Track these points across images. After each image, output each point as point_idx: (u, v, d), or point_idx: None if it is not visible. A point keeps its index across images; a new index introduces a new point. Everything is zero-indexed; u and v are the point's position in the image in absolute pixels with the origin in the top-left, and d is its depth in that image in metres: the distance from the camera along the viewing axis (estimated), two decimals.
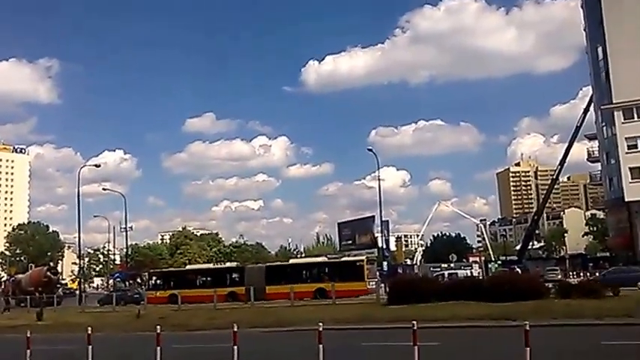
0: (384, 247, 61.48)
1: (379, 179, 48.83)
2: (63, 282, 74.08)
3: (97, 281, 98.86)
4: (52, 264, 58.01)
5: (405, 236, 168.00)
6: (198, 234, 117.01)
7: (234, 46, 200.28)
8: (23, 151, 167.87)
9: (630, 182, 47.93)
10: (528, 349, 7.74)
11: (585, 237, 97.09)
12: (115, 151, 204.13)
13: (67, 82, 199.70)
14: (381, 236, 62.23)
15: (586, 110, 58.97)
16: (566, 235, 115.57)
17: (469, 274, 40.44)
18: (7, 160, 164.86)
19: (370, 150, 50.33)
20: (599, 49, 51.89)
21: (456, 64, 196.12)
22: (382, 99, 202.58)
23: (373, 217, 64.55)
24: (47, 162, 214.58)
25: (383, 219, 58.44)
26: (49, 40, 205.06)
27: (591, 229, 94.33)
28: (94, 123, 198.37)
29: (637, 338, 7.88)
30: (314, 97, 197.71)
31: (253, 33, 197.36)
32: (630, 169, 48.07)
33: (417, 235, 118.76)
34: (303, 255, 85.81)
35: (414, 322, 8.62)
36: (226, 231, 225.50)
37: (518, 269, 40.10)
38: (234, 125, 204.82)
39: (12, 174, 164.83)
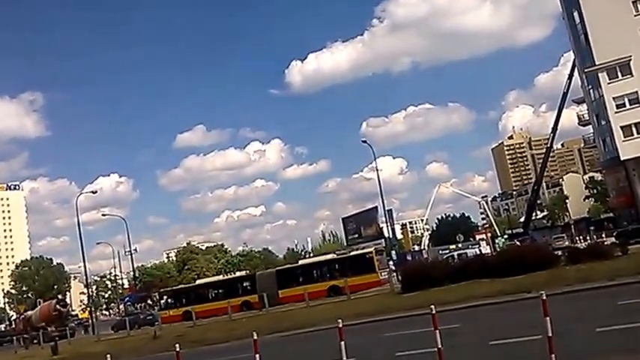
0: (391, 236, 61.49)
1: (377, 170, 48.96)
2: (73, 313, 73.99)
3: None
4: (60, 296, 57.81)
5: (410, 223, 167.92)
6: (204, 247, 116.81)
7: (216, 56, 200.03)
8: (17, 187, 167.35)
9: (623, 140, 48.04)
10: (548, 318, 7.75)
11: (587, 200, 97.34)
12: (109, 175, 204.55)
13: (53, 113, 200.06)
14: (387, 226, 62.20)
15: (570, 76, 59.02)
16: (567, 201, 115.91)
17: (478, 252, 40.49)
18: (2, 199, 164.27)
19: (365, 142, 50.44)
20: (575, 14, 51.94)
21: (436, 47, 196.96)
22: (369, 90, 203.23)
23: (376, 207, 64.62)
24: (42, 195, 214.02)
25: (386, 208, 58.42)
26: (29, 73, 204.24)
27: (591, 192, 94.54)
28: (85, 150, 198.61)
29: None
30: (301, 97, 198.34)
31: (232, 41, 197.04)
32: (622, 127, 48.17)
33: (422, 220, 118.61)
34: (312, 255, 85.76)
35: (432, 307, 8.63)
36: (232, 241, 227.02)
37: (528, 240, 40.27)
38: (226, 135, 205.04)
39: (9, 212, 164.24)
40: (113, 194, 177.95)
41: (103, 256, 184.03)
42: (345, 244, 74.34)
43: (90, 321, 50.26)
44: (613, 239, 27.71)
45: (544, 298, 8.01)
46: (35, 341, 39.82)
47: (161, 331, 30.24)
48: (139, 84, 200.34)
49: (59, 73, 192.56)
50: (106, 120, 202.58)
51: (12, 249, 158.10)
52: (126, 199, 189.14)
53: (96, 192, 65.04)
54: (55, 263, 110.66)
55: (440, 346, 8.32)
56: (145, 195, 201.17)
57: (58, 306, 47.08)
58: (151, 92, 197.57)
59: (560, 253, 25.20)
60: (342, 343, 8.89)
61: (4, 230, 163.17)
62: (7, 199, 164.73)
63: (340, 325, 9.04)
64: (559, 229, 67.14)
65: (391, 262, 45.39)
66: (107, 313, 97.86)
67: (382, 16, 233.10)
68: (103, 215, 78.86)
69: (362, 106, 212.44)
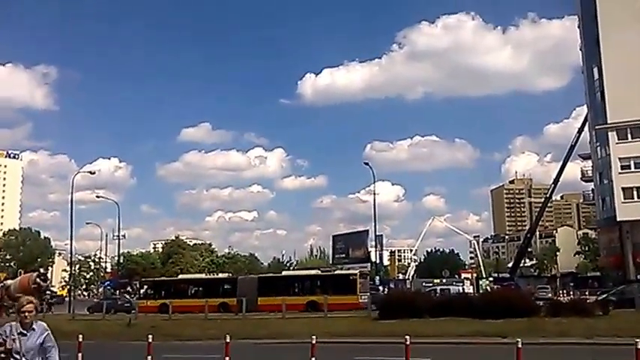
0: (378, 261, 61.45)
1: (374, 193, 49.05)
2: (53, 289, 73.56)
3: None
4: (42, 270, 57.48)
5: (399, 251, 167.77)
6: (192, 244, 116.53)
7: (231, 57, 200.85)
8: (16, 156, 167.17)
9: (623, 202, 48.21)
10: None
11: (577, 256, 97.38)
12: (109, 158, 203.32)
13: (64, 89, 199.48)
14: (375, 250, 62.27)
15: (580, 130, 59.45)
16: (558, 253, 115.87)
17: (461, 290, 40.40)
18: (0, 165, 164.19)
19: (366, 164, 50.66)
20: (595, 69, 52.37)
21: (452, 81, 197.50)
22: (378, 113, 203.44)
23: (367, 231, 64.56)
24: (41, 168, 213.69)
25: (377, 233, 58.48)
26: (46, 47, 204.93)
27: (583, 248, 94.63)
28: (90, 130, 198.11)
29: (627, 358, 7.97)
30: (310, 110, 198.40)
31: (251, 45, 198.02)
32: (623, 189, 48.37)
33: (411, 250, 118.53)
34: (296, 267, 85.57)
35: (407, 337, 8.68)
36: (220, 241, 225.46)
37: (513, 286, 40.26)
38: (230, 136, 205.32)
39: (4, 179, 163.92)
40: (111, 178, 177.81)
41: (90, 237, 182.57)
42: (331, 262, 74.21)
43: (68, 299, 50.04)
44: (595, 297, 27.75)
45: (519, 346, 8.07)
46: (11, 311, 39.63)
47: (136, 319, 30.11)
48: (151, 74, 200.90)
49: (76, 52, 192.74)
50: (114, 104, 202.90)
51: (2, 216, 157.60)
52: (122, 184, 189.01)
53: (94, 173, 64.77)
54: (42, 237, 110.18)
55: None
56: (142, 183, 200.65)
57: (38, 279, 46.58)
58: (161, 84, 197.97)
59: (542, 303, 25.21)
60: (313, 359, 8.92)
61: None
62: (5, 166, 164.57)
63: (314, 342, 9.08)
64: (545, 279, 67.14)
65: (380, 288, 45.50)
66: (86, 294, 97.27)
67: (403, 42, 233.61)
68: (98, 197, 78.51)
69: (369, 128, 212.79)
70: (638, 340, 7.87)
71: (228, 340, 9.63)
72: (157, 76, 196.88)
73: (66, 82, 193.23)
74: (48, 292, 49.65)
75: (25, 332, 5.25)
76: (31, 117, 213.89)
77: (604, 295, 30.51)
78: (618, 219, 48.19)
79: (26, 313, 5.43)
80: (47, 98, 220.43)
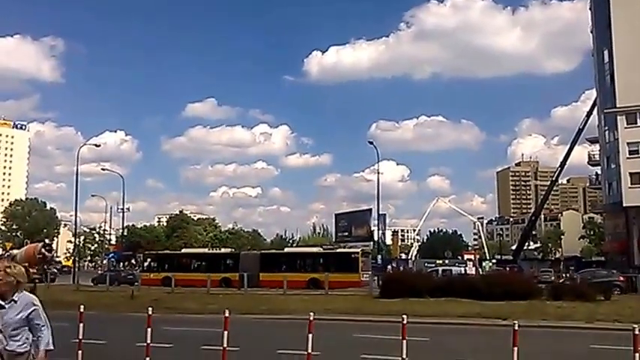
0: (380, 240, 61.56)
1: (378, 172, 48.88)
2: (57, 259, 74.24)
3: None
4: (47, 240, 58.10)
5: (402, 231, 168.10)
6: (195, 218, 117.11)
7: (238, 34, 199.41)
8: (23, 127, 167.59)
9: (630, 187, 47.89)
10: (516, 348, 7.76)
11: (581, 240, 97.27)
12: (116, 132, 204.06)
13: (71, 61, 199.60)
14: (378, 229, 62.32)
15: (589, 113, 58.88)
16: (562, 237, 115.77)
17: (463, 272, 40.47)
18: (7, 136, 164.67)
19: (371, 143, 50.38)
20: (605, 52, 51.63)
21: (459, 62, 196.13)
22: (384, 93, 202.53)
23: (370, 210, 64.54)
24: (47, 140, 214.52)
25: (380, 212, 58.59)
26: (54, 19, 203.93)
27: (588, 232, 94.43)
28: (96, 103, 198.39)
29: (625, 343, 7.90)
30: (316, 88, 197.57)
31: (258, 21, 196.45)
32: (630, 174, 47.99)
33: (414, 230, 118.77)
34: (299, 244, 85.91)
35: (404, 317, 8.63)
36: (223, 216, 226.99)
37: (516, 269, 40.36)
38: (235, 112, 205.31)
39: (11, 149, 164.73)
40: (116, 151, 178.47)
41: (95, 209, 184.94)
42: (334, 240, 74.41)
43: (73, 270, 50.50)
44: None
45: (516, 328, 8.01)
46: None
47: (139, 292, 30.34)
48: (157, 48, 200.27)
49: (84, 24, 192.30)
50: (120, 78, 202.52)
51: (9, 186, 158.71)
52: (128, 157, 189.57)
53: (99, 145, 65.43)
54: (48, 207, 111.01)
55: (405, 357, 8.33)
56: (147, 157, 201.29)
57: (43, 250, 47.05)
58: (168, 58, 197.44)
59: (544, 286, 25.21)
60: (310, 335, 8.90)
61: (4, 167, 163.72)
62: (12, 137, 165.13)
63: (311, 318, 9.06)
64: (548, 263, 67.12)
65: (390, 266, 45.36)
66: (90, 265, 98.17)
67: (410, 21, 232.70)
68: (103, 169, 79.43)
69: (375, 107, 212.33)
70: (636, 325, 7.79)
71: (227, 315, 9.60)
72: (163, 51, 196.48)
73: (73, 54, 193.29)
74: (54, 262, 50.26)
75: (2, 304, 4.59)
76: (38, 89, 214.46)
77: (560, 280, 30.69)
78: (624, 204, 47.93)
79: None
80: (54, 70, 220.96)
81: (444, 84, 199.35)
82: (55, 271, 46.26)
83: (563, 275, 40.93)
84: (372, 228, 64.19)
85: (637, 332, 7.50)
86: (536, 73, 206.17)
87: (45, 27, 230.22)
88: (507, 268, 44.71)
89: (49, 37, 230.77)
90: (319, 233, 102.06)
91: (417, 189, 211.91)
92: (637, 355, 7.32)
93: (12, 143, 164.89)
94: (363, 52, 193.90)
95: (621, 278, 28.94)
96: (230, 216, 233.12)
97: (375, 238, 61.96)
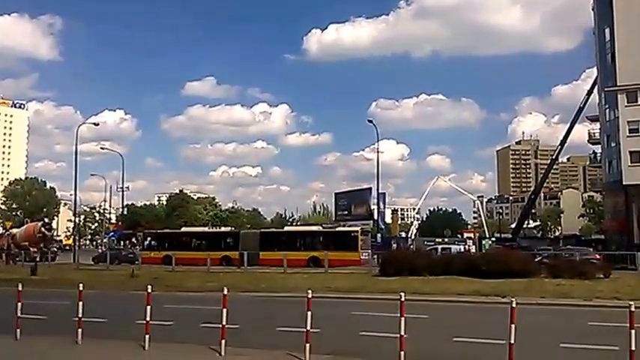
0: (380, 219, 61.72)
1: (378, 152, 48.75)
2: (58, 238, 74.48)
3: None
4: (46, 219, 58.15)
5: (402, 209, 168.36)
6: (195, 197, 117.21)
7: (237, 12, 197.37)
8: (22, 106, 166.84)
9: (629, 166, 47.83)
10: (514, 325, 7.79)
11: (581, 218, 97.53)
12: (115, 111, 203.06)
13: (69, 40, 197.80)
14: (377, 208, 62.44)
15: (590, 92, 58.54)
16: (562, 215, 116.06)
17: (462, 250, 40.61)
18: (6, 115, 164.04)
19: (370, 122, 50.19)
20: (607, 31, 51.14)
21: (460, 40, 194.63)
22: (384, 71, 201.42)
23: (370, 188, 64.60)
24: (46, 119, 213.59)
25: (380, 191, 58.62)
26: None
27: (587, 211, 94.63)
28: (95, 82, 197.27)
29: (624, 320, 7.93)
30: (316, 66, 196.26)
31: None
32: (630, 152, 47.91)
33: (414, 209, 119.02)
34: (299, 223, 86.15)
35: (403, 294, 8.65)
36: (223, 195, 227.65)
37: (515, 247, 40.52)
38: (235, 91, 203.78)
39: (10, 128, 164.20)
40: (116, 130, 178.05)
41: (95, 188, 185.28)
42: (334, 218, 74.62)
43: (73, 249, 50.69)
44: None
45: (514, 305, 8.02)
46: (18, 259, 40.30)
47: (139, 270, 30.50)
48: (156, 27, 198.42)
49: (82, 2, 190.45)
50: (118, 56, 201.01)
51: (8, 165, 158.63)
52: (128, 136, 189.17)
53: (98, 124, 64.69)
54: (48, 187, 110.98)
55: (403, 334, 8.36)
56: (147, 136, 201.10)
57: (43, 228, 47.35)
58: (166, 37, 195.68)
59: (543, 265, 25.29)
60: (310, 313, 8.93)
61: (3, 146, 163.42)
62: (11, 115, 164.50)
63: (310, 296, 9.08)
64: (547, 241, 67.34)
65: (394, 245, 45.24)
66: (93, 244, 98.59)
67: None
68: (102, 148, 79.03)
69: (374, 85, 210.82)
70: (632, 302, 7.82)
71: (226, 292, 9.63)
72: (162, 29, 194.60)
73: (71, 33, 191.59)
74: (54, 241, 50.40)
75: None
76: (37, 67, 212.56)
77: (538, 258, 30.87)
78: (624, 182, 47.91)
79: None
80: (52, 49, 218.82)
81: (444, 62, 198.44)
82: (56, 249, 46.41)
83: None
84: (372, 207, 64.36)
85: (633, 309, 7.52)
86: (536, 52, 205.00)
87: (42, 5, 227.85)
88: (510, 246, 44.74)
89: (47, 15, 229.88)
90: (319, 212, 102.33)
91: (416, 168, 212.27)
92: (632, 331, 7.34)
93: (11, 122, 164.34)
94: (362, 30, 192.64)
95: (597, 256, 29.07)
96: (230, 195, 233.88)
97: (375, 217, 62.08)
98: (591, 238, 67.19)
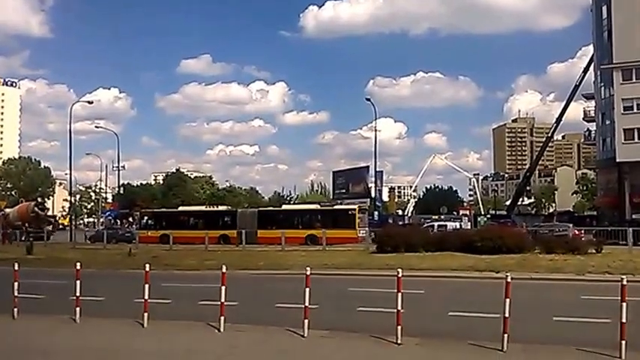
0: (377, 197, 61.94)
1: (376, 130, 48.90)
2: (51, 217, 74.27)
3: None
4: (39, 199, 58.10)
5: (399, 187, 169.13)
6: (192, 176, 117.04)
7: None
8: (14, 84, 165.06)
9: (623, 143, 48.05)
10: (508, 300, 7.94)
11: (575, 195, 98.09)
12: (110, 89, 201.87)
13: (61, 16, 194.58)
14: (375, 186, 62.63)
15: (586, 69, 58.41)
16: (556, 192, 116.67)
17: (458, 227, 40.91)
18: None
19: (368, 100, 50.14)
20: (604, 8, 50.90)
21: (457, 17, 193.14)
22: (382, 49, 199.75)
23: (368, 167, 64.75)
24: (39, 97, 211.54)
25: (377, 169, 58.84)
26: None
27: (581, 188, 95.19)
28: (89, 60, 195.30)
29: (615, 294, 8.10)
30: (312, 43, 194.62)
31: None
32: (624, 130, 48.09)
33: (411, 187, 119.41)
34: (296, 202, 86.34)
35: (399, 270, 8.79)
36: (221, 174, 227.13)
37: (510, 224, 40.89)
38: (231, 69, 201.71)
39: (2, 107, 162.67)
40: (110, 108, 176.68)
41: (91, 167, 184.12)
42: (332, 197, 74.85)
43: (70, 228, 50.73)
44: (590, 236, 28.16)
45: (508, 280, 8.17)
46: (14, 238, 40.37)
47: (137, 249, 30.61)
48: (149, 3, 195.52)
49: None
50: (113, 33, 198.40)
51: (1, 145, 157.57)
52: (123, 115, 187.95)
53: (92, 102, 64.59)
54: (42, 166, 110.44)
55: (400, 309, 8.51)
56: (142, 115, 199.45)
57: (36, 208, 47.27)
58: (161, 13, 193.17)
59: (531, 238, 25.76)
60: (308, 289, 9.06)
61: None
62: (3, 94, 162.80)
63: (308, 273, 9.20)
64: (542, 217, 67.80)
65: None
66: (87, 223, 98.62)
67: None
68: (97, 127, 79.21)
69: (372, 63, 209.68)
70: (624, 276, 7.98)
71: (225, 270, 9.74)
72: (156, 5, 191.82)
73: (63, 9, 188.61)
74: (48, 220, 50.35)
75: None
76: (28, 44, 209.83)
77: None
78: (618, 160, 48.16)
79: None
80: (43, 25, 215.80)
81: (441, 40, 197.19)
82: (50, 228, 46.34)
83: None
84: (370, 185, 64.52)
85: (625, 283, 7.68)
86: (533, 29, 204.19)
87: None
88: (505, 222, 45.09)
89: None
90: (317, 191, 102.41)
91: (413, 146, 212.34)
92: (624, 304, 7.51)
93: (2, 101, 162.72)
94: (360, 7, 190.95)
95: (575, 232, 29.60)
96: (227, 174, 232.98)
97: (373, 195, 62.30)
98: (584, 215, 67.64)
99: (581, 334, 9.25)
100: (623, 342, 7.45)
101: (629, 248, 23.83)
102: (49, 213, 60.51)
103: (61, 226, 59.82)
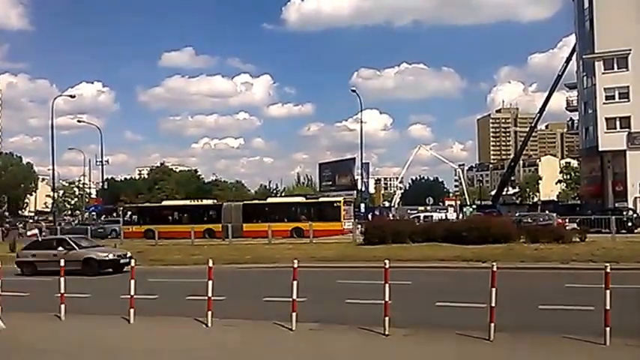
0: (363, 189, 62.01)
1: (361, 122, 48.78)
2: (30, 219, 73.26)
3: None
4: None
5: (385, 179, 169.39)
6: (177, 170, 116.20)
7: None
8: None
9: (605, 132, 48.49)
10: (494, 289, 8.00)
11: (558, 184, 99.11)
12: (92, 83, 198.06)
13: (42, 8, 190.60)
14: (361, 178, 62.65)
15: (568, 59, 58.83)
16: (540, 182, 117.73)
17: (444, 217, 41.15)
18: None
19: (354, 91, 49.99)
20: None
21: (440, 9, 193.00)
22: (366, 40, 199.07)
23: (354, 159, 64.68)
24: (20, 92, 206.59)
25: (363, 161, 58.81)
26: None
27: (565, 177, 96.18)
28: (71, 53, 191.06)
29: (599, 282, 8.20)
30: (296, 36, 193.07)
31: None
32: (606, 119, 48.52)
33: (397, 179, 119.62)
34: (283, 194, 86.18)
35: (386, 262, 8.80)
36: (206, 168, 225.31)
37: (495, 213, 41.24)
38: (214, 62, 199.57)
39: None
40: (93, 102, 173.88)
41: (74, 163, 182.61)
42: (318, 189, 74.80)
43: (53, 224, 50.12)
44: (574, 225, 28.47)
45: (494, 269, 8.23)
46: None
47: (122, 245, 30.36)
48: None
49: None
50: (94, 26, 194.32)
51: None
52: (106, 109, 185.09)
53: (74, 96, 63.50)
54: (24, 162, 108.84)
55: (388, 300, 8.53)
56: (125, 109, 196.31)
57: None
58: (143, 5, 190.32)
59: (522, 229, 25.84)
60: (295, 282, 9.04)
61: None
62: None
63: (295, 265, 9.18)
64: (526, 207, 68.44)
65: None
66: (71, 219, 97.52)
67: None
68: (79, 121, 78.02)
69: (356, 54, 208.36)
70: (607, 264, 8.08)
71: (211, 265, 9.69)
72: None
73: (42, 1, 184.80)
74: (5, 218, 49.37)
75: None
76: (7, 38, 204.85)
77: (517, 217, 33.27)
78: (600, 149, 48.64)
79: None
80: (22, 18, 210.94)
81: (425, 32, 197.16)
82: (37, 232, 45.62)
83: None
84: (356, 177, 64.55)
85: (608, 271, 7.77)
86: (514, 20, 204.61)
87: None
88: (490, 212, 45.49)
89: None
90: (303, 183, 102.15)
91: (399, 137, 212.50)
92: (607, 292, 7.60)
93: None
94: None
95: (559, 221, 30.07)
96: (212, 167, 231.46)
97: (359, 187, 62.36)
98: (568, 204, 68.48)
99: (567, 321, 9.35)
100: (608, 329, 7.55)
101: (612, 236, 24.11)
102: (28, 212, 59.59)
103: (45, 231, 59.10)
